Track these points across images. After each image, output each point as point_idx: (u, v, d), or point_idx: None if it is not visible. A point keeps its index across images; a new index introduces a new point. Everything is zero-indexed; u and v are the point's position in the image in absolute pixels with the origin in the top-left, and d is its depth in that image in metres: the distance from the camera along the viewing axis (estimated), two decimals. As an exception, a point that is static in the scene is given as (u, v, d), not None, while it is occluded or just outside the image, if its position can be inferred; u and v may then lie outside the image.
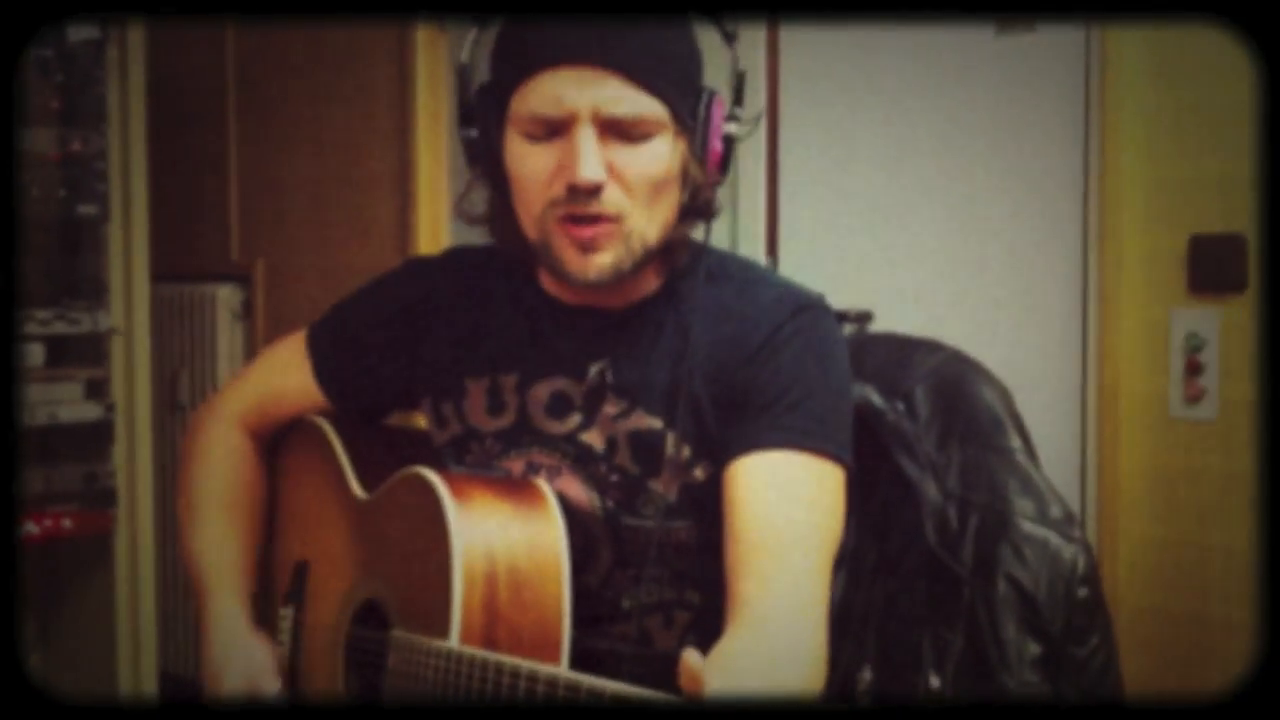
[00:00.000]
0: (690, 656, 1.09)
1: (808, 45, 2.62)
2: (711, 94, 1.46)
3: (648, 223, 1.42)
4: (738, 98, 1.48)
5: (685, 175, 1.44)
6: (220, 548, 1.68)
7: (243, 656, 1.60)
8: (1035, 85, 2.37)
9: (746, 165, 2.65)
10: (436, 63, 3.15)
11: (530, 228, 1.45)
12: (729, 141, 1.46)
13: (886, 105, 2.54)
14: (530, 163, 1.42)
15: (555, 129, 1.40)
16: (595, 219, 1.40)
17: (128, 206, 2.79)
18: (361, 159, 3.30)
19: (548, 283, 1.54)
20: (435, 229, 3.15)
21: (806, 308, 1.48)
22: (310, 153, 3.43)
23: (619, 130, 1.39)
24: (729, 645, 1.32)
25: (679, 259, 1.51)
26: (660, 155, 1.41)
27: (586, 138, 1.38)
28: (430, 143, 3.15)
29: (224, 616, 1.63)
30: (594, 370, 1.51)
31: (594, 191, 1.39)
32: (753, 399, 1.44)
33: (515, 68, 1.42)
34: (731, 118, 1.46)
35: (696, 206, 1.46)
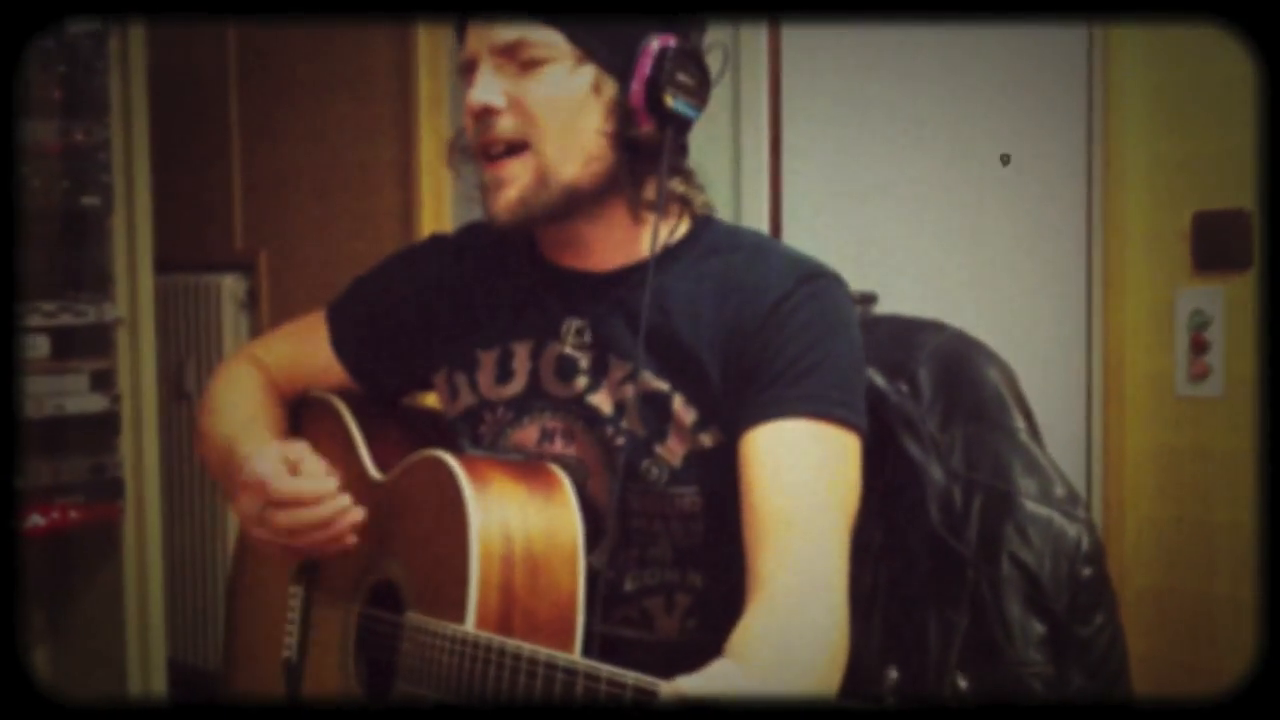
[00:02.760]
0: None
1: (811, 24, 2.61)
2: (658, 37, 1.45)
3: (562, 155, 1.45)
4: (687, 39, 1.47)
5: (608, 109, 1.46)
6: (248, 424, 1.65)
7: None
8: (1037, 65, 2.36)
9: (750, 147, 2.65)
10: (437, 52, 3.15)
11: None
12: (668, 73, 1.43)
13: (889, 86, 2.53)
14: (464, 109, 1.49)
15: (471, 73, 1.48)
16: (503, 152, 1.46)
17: (131, 197, 2.79)
18: (364, 148, 3.30)
19: (547, 248, 1.57)
20: (438, 216, 3.15)
21: (815, 276, 1.48)
22: (313, 142, 3.42)
23: (512, 57, 1.45)
24: (750, 625, 1.31)
25: (649, 209, 1.50)
26: (557, 80, 1.44)
27: (481, 69, 1.46)
28: (432, 131, 3.14)
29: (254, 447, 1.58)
30: (569, 328, 1.53)
31: (487, 115, 1.45)
32: (763, 368, 1.43)
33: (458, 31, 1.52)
34: (676, 53, 1.44)
35: (630, 140, 1.46)
